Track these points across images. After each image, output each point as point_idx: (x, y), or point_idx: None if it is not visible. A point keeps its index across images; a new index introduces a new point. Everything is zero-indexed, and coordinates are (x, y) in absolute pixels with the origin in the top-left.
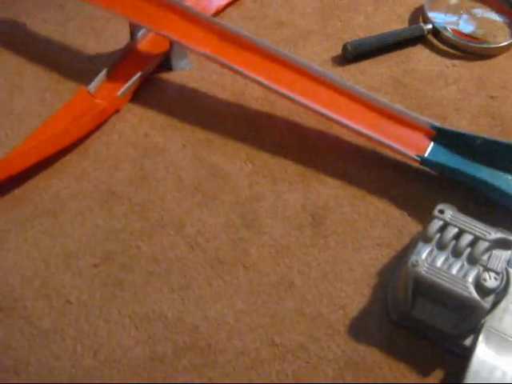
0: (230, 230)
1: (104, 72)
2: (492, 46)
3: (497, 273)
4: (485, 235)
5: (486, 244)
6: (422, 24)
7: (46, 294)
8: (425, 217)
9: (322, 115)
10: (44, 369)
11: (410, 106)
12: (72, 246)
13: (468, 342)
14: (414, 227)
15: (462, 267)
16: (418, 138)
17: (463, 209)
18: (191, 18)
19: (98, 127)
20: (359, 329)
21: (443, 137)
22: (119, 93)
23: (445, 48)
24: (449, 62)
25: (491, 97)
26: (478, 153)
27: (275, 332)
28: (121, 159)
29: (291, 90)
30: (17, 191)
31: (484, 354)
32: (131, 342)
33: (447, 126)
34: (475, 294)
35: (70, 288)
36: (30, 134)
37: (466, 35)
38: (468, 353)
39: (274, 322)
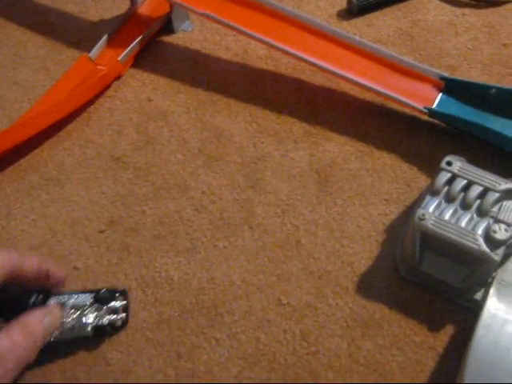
0: (235, 190)
1: (105, 38)
2: None
3: (507, 224)
4: (494, 186)
5: (496, 195)
6: None
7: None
8: (434, 170)
9: (328, 71)
10: None
11: (419, 58)
12: (78, 213)
13: (478, 295)
14: (423, 181)
15: (471, 220)
16: (426, 89)
17: (473, 161)
18: None
19: (100, 94)
20: (367, 286)
21: (452, 87)
22: (120, 58)
23: None
24: (458, 10)
25: (504, 45)
26: (490, 103)
27: (282, 291)
28: (124, 125)
29: (296, 47)
30: (22, 161)
31: (495, 308)
32: (138, 305)
33: (457, 76)
34: (484, 247)
35: (77, 254)
36: (33, 104)
37: None
38: (478, 307)
39: (281, 281)
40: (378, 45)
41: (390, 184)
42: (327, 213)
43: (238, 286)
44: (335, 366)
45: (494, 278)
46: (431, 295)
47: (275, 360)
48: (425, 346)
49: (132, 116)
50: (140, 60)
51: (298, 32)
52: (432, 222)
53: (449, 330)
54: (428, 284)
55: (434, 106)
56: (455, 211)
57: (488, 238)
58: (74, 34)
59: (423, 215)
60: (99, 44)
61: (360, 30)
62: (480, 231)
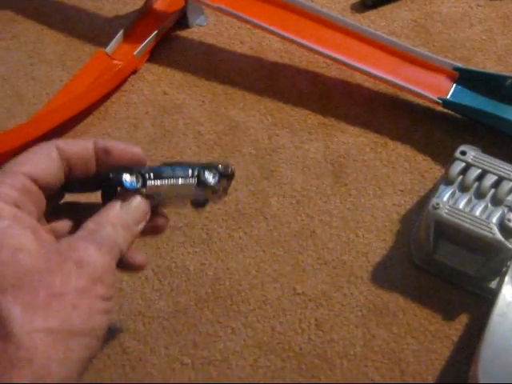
0: (250, 182)
1: (121, 33)
2: None
3: None
4: (509, 175)
5: (511, 184)
6: None
7: None
8: (448, 161)
9: (342, 63)
10: None
11: (433, 50)
12: None
13: (493, 284)
14: (437, 172)
15: (485, 208)
16: (440, 80)
17: (488, 151)
18: None
19: (116, 88)
20: (382, 275)
21: (467, 78)
22: (136, 52)
23: None
24: (473, 2)
25: None
26: (505, 93)
27: (297, 281)
28: (140, 118)
29: (310, 39)
30: None
31: (510, 296)
32: (155, 295)
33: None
34: (499, 235)
35: None
36: (51, 99)
37: None
38: (493, 295)
39: (296, 271)
40: (392, 37)
41: (405, 174)
42: (342, 203)
43: (253, 275)
44: (350, 354)
45: (509, 267)
46: (446, 284)
47: (290, 348)
48: (439, 334)
49: (148, 109)
50: (155, 54)
51: (313, 25)
52: (446, 210)
53: (463, 319)
54: (442, 273)
55: (449, 96)
56: (469, 200)
57: (503, 226)
58: (91, 29)
59: (437, 204)
60: (115, 39)
61: (374, 22)
62: (495, 220)
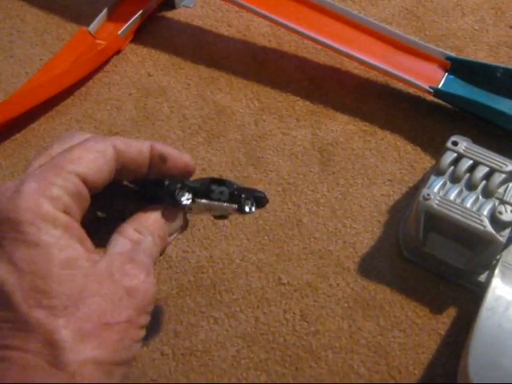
0: (236, 168)
1: (105, 12)
2: None
3: None
4: (501, 167)
5: (502, 176)
6: None
7: None
8: (438, 152)
9: (332, 49)
10: None
11: (425, 39)
12: None
13: (483, 277)
14: (427, 162)
15: (476, 200)
16: (431, 69)
17: (478, 142)
18: None
19: (99, 68)
20: (369, 266)
21: (459, 68)
22: (120, 32)
23: None
24: None
25: (510, 27)
26: (497, 84)
27: (282, 270)
28: (123, 100)
29: (299, 23)
30: (18, 135)
31: (499, 290)
32: None
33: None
34: (490, 228)
35: None
36: (30, 77)
37: None
38: (482, 289)
39: (281, 260)
40: (384, 24)
41: (394, 164)
42: (329, 192)
43: (237, 264)
44: (335, 346)
45: (498, 260)
46: (434, 277)
47: (274, 340)
48: (427, 328)
49: (131, 91)
50: (140, 35)
51: (302, 9)
52: (437, 202)
53: (451, 313)
54: (431, 265)
55: (440, 86)
56: (460, 192)
57: (494, 219)
58: (73, 7)
59: (428, 195)
60: (99, 18)
61: (365, 9)
62: (486, 212)
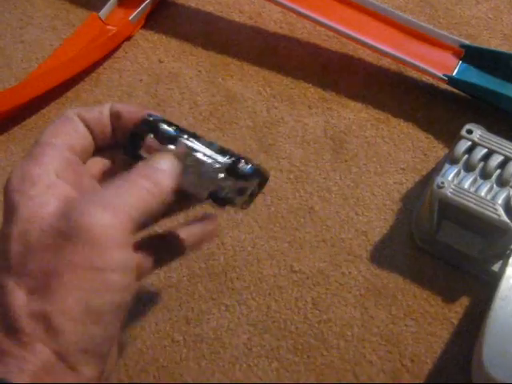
0: (247, 155)
1: None
2: None
3: None
4: None
5: None
6: None
7: None
8: (452, 140)
9: (345, 35)
10: None
11: (438, 26)
12: None
13: (496, 267)
14: (440, 151)
15: (490, 189)
16: (445, 57)
17: (492, 130)
18: None
19: (109, 54)
20: (382, 255)
21: (473, 56)
22: (131, 18)
23: None
24: None
25: None
26: (511, 72)
27: (294, 258)
28: (134, 86)
29: (311, 9)
30: (28, 120)
31: None
32: None
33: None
34: (504, 217)
35: None
36: (40, 63)
37: None
38: (496, 278)
39: (293, 248)
40: (397, 11)
41: (407, 152)
42: (341, 180)
43: (248, 251)
44: (347, 335)
45: None
46: (447, 266)
47: (286, 327)
48: (439, 317)
49: (142, 77)
50: (151, 21)
51: None
52: (451, 190)
53: (464, 302)
54: (444, 254)
55: (454, 73)
56: (475, 180)
57: (508, 208)
58: None
59: (442, 183)
60: (110, 3)
61: None
62: (500, 201)
